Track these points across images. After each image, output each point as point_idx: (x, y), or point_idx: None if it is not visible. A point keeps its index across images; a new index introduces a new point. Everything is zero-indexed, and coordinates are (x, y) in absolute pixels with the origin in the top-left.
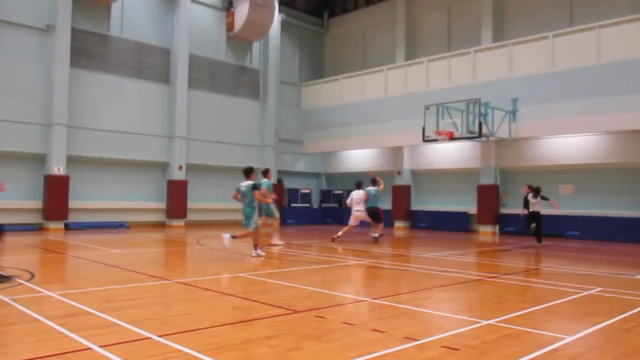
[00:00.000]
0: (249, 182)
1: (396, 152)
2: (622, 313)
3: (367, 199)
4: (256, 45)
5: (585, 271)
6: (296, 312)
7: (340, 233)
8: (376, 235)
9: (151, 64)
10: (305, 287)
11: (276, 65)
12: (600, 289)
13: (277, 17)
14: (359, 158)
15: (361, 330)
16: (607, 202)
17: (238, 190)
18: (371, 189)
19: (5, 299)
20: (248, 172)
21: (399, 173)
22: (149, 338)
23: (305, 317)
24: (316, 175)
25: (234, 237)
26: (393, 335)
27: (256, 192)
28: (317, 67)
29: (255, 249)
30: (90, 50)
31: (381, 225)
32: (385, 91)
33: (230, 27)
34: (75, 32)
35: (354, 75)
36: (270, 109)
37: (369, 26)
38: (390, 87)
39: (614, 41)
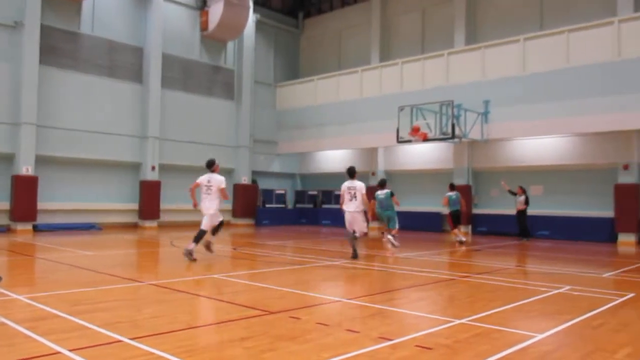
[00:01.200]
0: (387, 191)
1: (371, 153)
2: (590, 311)
3: (449, 204)
4: (230, 45)
5: (555, 270)
6: (271, 313)
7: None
8: (462, 239)
9: (123, 62)
10: (279, 288)
11: (251, 65)
12: (569, 287)
13: (251, 17)
14: (333, 159)
15: (336, 331)
16: (575, 202)
17: (376, 199)
18: (452, 194)
19: None
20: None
21: (373, 174)
22: (120, 341)
23: (280, 318)
24: (291, 176)
25: (393, 236)
26: (367, 335)
27: (394, 197)
28: (292, 68)
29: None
30: (60, 47)
31: (457, 230)
32: (360, 92)
33: (204, 26)
34: (45, 29)
35: (329, 76)
36: (244, 109)
37: (344, 27)
38: (365, 88)
39: (582, 45)
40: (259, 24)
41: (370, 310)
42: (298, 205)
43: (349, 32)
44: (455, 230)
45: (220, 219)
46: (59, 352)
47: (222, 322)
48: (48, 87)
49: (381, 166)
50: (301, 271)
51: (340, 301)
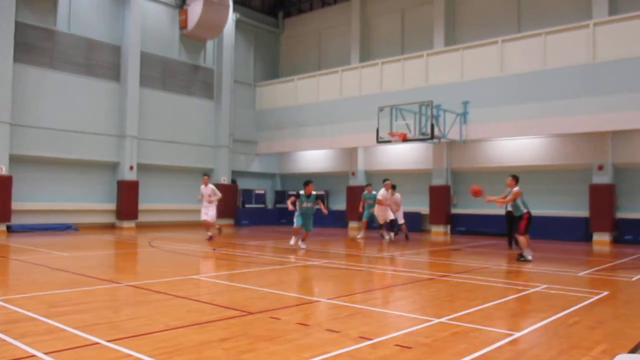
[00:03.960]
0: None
1: (351, 153)
2: (566, 309)
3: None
4: (210, 44)
5: (531, 269)
6: (250, 313)
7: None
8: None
9: (101, 61)
10: (259, 289)
11: (230, 64)
12: (545, 285)
13: (231, 15)
14: (313, 159)
15: (316, 331)
16: (552, 202)
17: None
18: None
19: None
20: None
21: (353, 174)
22: (97, 343)
23: (260, 319)
24: (271, 175)
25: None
26: (347, 335)
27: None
28: (272, 68)
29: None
30: (35, 45)
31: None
32: (340, 92)
33: (183, 25)
34: (19, 26)
35: (309, 76)
36: (224, 108)
37: (324, 27)
38: (345, 89)
39: (559, 47)
40: (238, 23)
41: (350, 310)
42: (278, 205)
43: (329, 32)
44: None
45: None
46: (33, 356)
47: (202, 323)
48: (23, 85)
49: (361, 166)
50: (281, 271)
51: (320, 301)
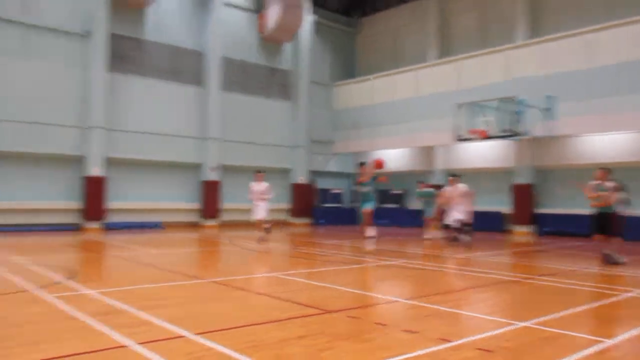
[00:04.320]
0: None
1: (428, 152)
2: None
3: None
4: (287, 47)
5: (624, 272)
6: (329, 312)
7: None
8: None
9: (185, 66)
10: (337, 287)
11: (307, 65)
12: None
13: (308, 18)
14: (390, 158)
15: (394, 331)
16: None
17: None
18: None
19: (48, 297)
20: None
21: (430, 173)
22: (184, 336)
23: (338, 318)
24: (347, 175)
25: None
26: (427, 336)
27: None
28: (349, 67)
29: None
30: (126, 54)
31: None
32: (416, 90)
33: (261, 29)
34: (112, 37)
35: (385, 74)
36: (301, 109)
37: (400, 25)
38: (422, 86)
39: None
40: (315, 25)
41: (428, 311)
42: (354, 205)
43: (405, 30)
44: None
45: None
46: (127, 346)
47: (281, 320)
48: (116, 92)
49: (439, 165)
50: (359, 271)
51: (398, 301)
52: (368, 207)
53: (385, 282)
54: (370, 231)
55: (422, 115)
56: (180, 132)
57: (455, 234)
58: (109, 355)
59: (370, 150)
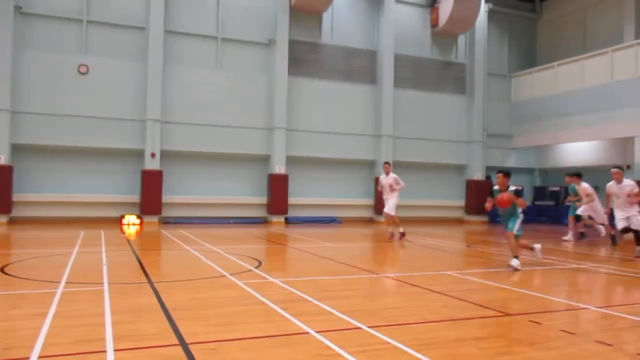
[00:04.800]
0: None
1: (625, 144)
2: None
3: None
4: (461, 39)
5: None
6: (507, 314)
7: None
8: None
9: (358, 66)
10: (517, 290)
11: (483, 57)
12: None
13: (483, 7)
14: (577, 151)
15: (583, 341)
16: None
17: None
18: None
19: (240, 282)
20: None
21: (628, 167)
22: (359, 328)
23: (518, 321)
24: (529, 171)
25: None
26: (622, 349)
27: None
28: (528, 56)
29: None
30: (304, 58)
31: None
32: (610, 75)
33: (434, 23)
34: (292, 43)
35: (571, 60)
36: (477, 103)
37: (590, 4)
38: (617, 71)
39: None
40: (491, 14)
41: (627, 322)
42: (537, 203)
43: (595, 10)
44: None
45: None
46: (308, 332)
47: (456, 320)
48: (294, 94)
49: (638, 158)
50: (542, 273)
51: (587, 308)
52: (511, 229)
53: (571, 287)
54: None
55: (618, 103)
56: (354, 131)
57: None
58: (292, 340)
59: (554, 143)
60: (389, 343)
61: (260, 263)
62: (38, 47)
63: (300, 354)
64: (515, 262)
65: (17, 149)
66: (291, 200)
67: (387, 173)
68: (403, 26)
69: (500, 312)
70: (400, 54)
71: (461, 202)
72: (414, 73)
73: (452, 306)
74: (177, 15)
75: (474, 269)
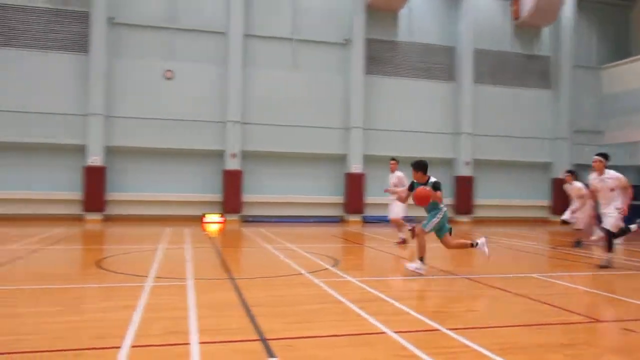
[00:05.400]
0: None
1: None
2: None
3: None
4: (545, 31)
5: None
6: (597, 320)
7: None
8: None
9: (436, 63)
10: (607, 294)
11: (570, 49)
12: None
13: None
14: None
15: None
16: None
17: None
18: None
19: (317, 280)
20: None
21: None
22: (438, 330)
23: (608, 328)
24: (622, 168)
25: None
26: None
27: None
28: (621, 47)
29: None
30: (380, 57)
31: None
32: None
33: (515, 15)
34: (368, 42)
35: None
36: (563, 97)
37: None
38: None
39: None
40: (579, 3)
41: None
42: (635, 202)
43: None
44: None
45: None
46: (384, 332)
47: (541, 324)
48: (371, 94)
49: None
50: (635, 278)
51: None
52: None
53: None
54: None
55: None
56: (433, 129)
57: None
58: (368, 339)
59: None
60: (468, 346)
61: (337, 262)
62: (128, 55)
63: (376, 354)
64: (413, 266)
65: (110, 151)
66: (368, 199)
67: (392, 171)
68: (482, 20)
69: (589, 317)
70: (479, 49)
71: (546, 202)
72: (495, 68)
73: (536, 310)
74: (254, 19)
75: (559, 272)
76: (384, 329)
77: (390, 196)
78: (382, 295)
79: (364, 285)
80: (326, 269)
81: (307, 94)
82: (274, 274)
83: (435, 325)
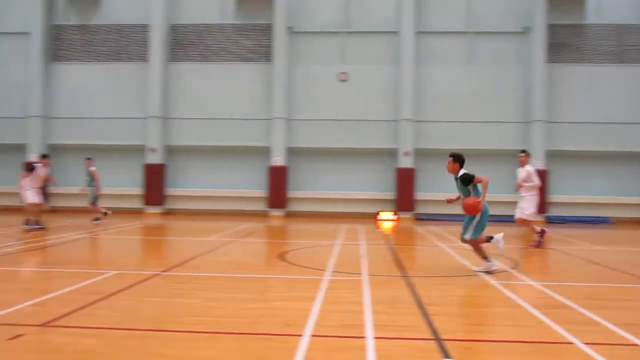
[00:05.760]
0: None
1: None
2: None
3: None
4: None
5: None
6: None
7: None
8: None
9: (634, 45)
10: None
11: None
12: None
13: None
14: None
15: None
16: None
17: None
18: None
19: (495, 282)
20: None
21: None
22: (636, 345)
23: None
24: None
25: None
26: None
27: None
28: None
29: None
30: (565, 43)
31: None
32: None
33: None
34: (550, 28)
35: None
36: None
37: None
38: None
39: None
40: None
41: None
42: None
43: None
44: None
45: None
46: (571, 343)
47: None
48: (554, 84)
49: None
50: None
51: None
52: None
53: None
54: None
55: None
56: (624, 119)
57: None
58: (552, 349)
59: None
60: None
61: (517, 264)
62: (305, 61)
63: None
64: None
65: (291, 152)
66: (552, 198)
67: (521, 165)
68: None
69: None
70: None
71: None
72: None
73: None
74: (426, 16)
75: None
76: (571, 338)
77: (521, 193)
78: (569, 302)
79: (547, 290)
80: (505, 270)
81: (482, 87)
82: (448, 273)
83: (634, 339)
